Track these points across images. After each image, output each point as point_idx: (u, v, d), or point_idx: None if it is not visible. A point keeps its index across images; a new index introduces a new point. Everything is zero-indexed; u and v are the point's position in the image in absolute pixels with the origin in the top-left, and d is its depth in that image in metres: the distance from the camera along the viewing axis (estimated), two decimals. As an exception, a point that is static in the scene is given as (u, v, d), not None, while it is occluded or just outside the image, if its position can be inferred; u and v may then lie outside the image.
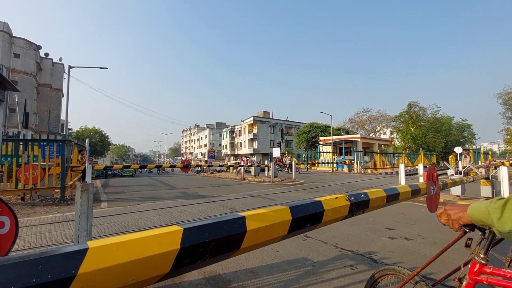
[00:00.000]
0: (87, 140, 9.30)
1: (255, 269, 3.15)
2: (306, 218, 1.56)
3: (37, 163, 7.76)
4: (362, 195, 2.07)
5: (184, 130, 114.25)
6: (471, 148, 45.63)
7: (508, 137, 37.49)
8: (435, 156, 39.82)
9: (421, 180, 6.88)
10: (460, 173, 8.18)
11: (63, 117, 33.07)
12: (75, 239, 2.44)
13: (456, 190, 7.45)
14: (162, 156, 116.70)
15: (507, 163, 15.38)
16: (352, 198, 1.93)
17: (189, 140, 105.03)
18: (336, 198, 1.84)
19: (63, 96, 33.72)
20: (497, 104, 40.50)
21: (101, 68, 16.80)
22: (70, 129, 39.28)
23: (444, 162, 12.41)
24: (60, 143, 7.87)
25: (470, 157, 11.93)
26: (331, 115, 30.35)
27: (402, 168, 8.64)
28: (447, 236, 4.55)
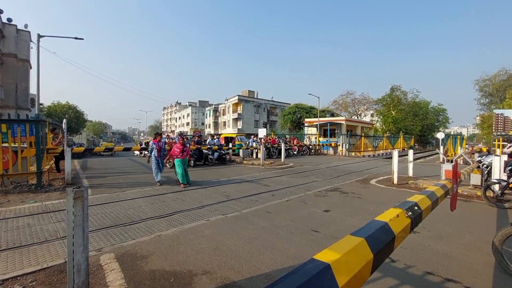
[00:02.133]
0: (64, 120, 8.41)
1: (270, 273, 2.91)
2: (384, 250, 1.28)
3: (7, 145, 6.91)
4: (416, 207, 1.85)
5: (165, 108, 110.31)
6: (443, 130, 47.84)
7: (481, 122, 39.42)
8: (413, 139, 41.43)
9: (443, 177, 6.77)
10: (451, 161, 8.31)
11: (32, 90, 30.47)
12: (69, 254, 2.03)
13: (476, 180, 7.41)
14: (142, 134, 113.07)
15: (484, 149, 16.09)
16: (410, 213, 1.70)
17: (170, 118, 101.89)
18: (397, 216, 1.59)
19: (30, 67, 30.77)
20: (473, 91, 42.18)
21: (76, 38, 15.13)
22: (41, 104, 36.45)
23: (437, 150, 12.66)
24: (34, 124, 7.03)
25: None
26: (318, 97, 30.21)
27: (395, 155, 8.65)
28: (451, 228, 4.55)
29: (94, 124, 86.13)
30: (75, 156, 18.65)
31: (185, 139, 8.89)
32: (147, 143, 22.01)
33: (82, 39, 15.54)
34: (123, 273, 2.90)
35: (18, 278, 2.80)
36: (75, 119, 46.20)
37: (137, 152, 21.69)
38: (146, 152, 20.25)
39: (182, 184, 7.98)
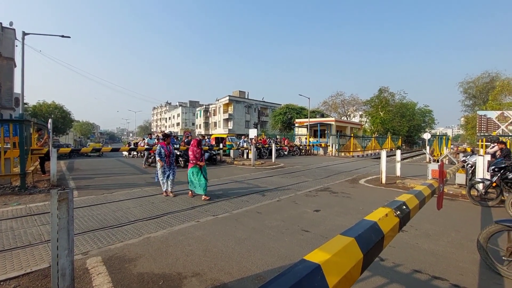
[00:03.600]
0: (50, 120, 8.17)
1: (261, 274, 2.90)
2: (373, 250, 1.29)
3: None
4: (404, 207, 1.88)
5: (154, 108, 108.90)
6: (429, 131, 49.11)
7: (466, 123, 40.61)
8: (400, 140, 42.28)
9: (430, 176, 6.90)
10: (437, 161, 8.51)
11: (16, 90, 29.47)
12: (53, 259, 1.96)
13: (461, 180, 7.57)
14: (131, 134, 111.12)
15: (468, 149, 16.57)
16: (398, 212, 1.73)
17: (160, 119, 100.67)
18: (386, 215, 1.61)
19: (15, 66, 29.81)
20: (457, 93, 43.40)
21: (63, 36, 14.73)
22: (25, 104, 35.26)
23: (424, 150, 12.96)
24: (17, 124, 6.80)
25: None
26: (309, 98, 30.38)
27: (384, 155, 8.81)
28: (438, 226, 4.66)
29: (81, 125, 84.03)
30: (60, 156, 18.12)
31: (202, 139, 6.22)
32: (136, 144, 21.61)
33: (69, 37, 15.16)
34: (111, 276, 2.84)
35: (1, 283, 2.69)
36: (61, 119, 44.97)
37: (125, 153, 21.24)
38: (135, 153, 19.89)
39: (204, 196, 6.45)
